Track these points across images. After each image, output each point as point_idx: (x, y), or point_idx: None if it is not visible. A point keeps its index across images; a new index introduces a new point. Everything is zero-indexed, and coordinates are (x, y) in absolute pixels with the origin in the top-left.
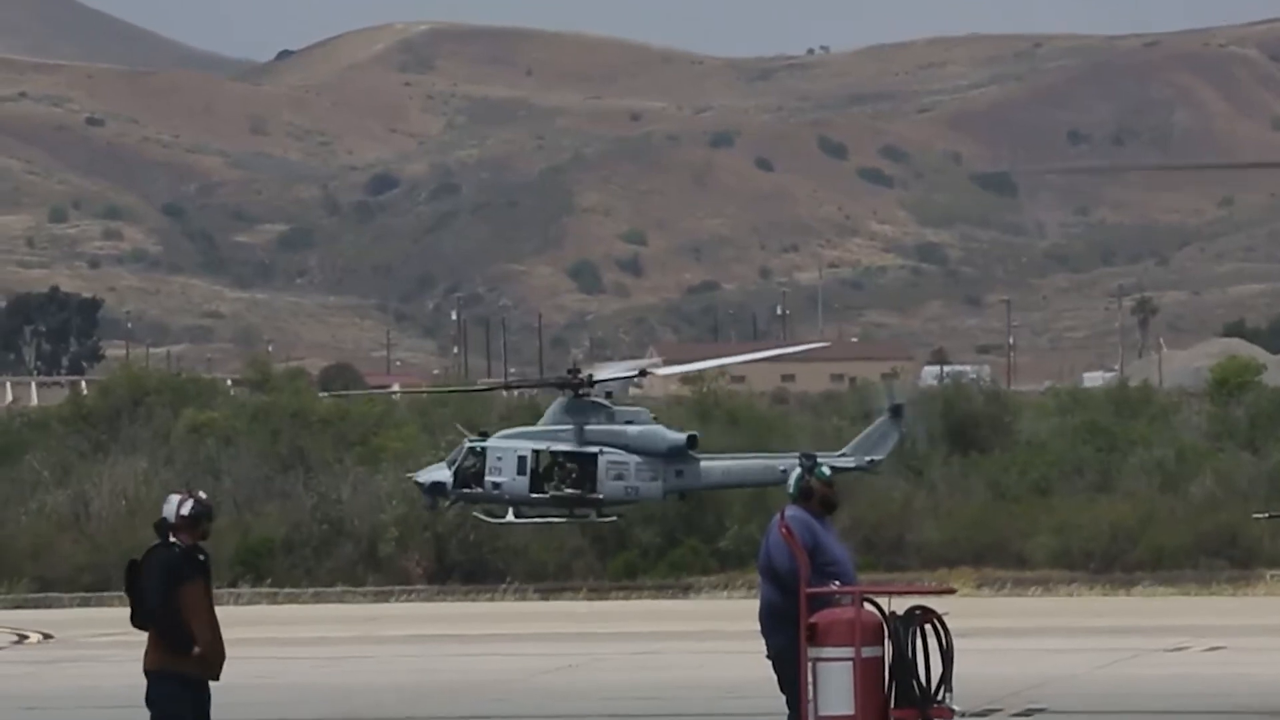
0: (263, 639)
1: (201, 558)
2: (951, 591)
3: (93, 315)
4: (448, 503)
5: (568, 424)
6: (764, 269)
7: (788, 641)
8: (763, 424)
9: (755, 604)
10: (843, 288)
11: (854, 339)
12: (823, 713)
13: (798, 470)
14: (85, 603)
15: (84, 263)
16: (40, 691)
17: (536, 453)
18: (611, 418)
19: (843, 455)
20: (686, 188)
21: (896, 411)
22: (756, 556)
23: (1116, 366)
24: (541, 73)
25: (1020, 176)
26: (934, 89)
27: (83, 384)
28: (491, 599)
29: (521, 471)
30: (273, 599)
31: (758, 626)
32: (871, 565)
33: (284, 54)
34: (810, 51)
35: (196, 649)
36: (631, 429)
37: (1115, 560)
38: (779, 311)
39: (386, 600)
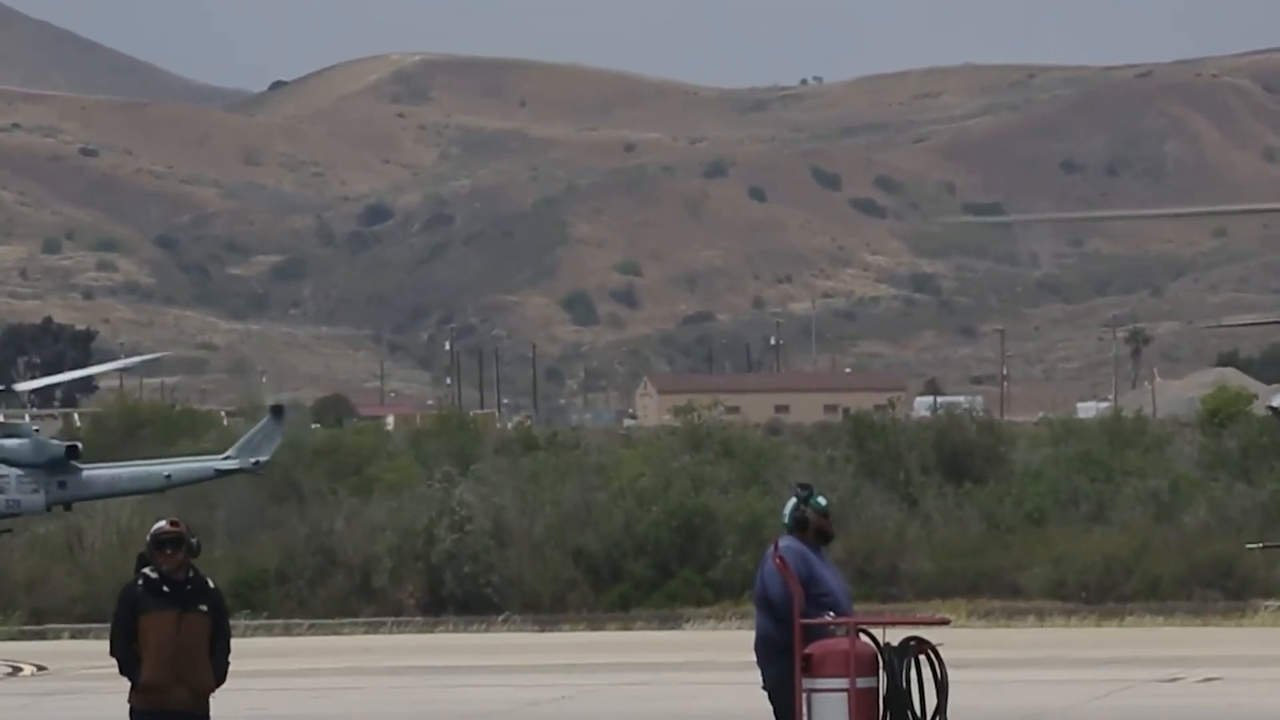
0: (256, 671)
1: (169, 588)
2: (946, 622)
3: (86, 347)
4: None
5: None
6: (758, 299)
7: (784, 673)
8: (756, 454)
9: (749, 635)
10: (836, 318)
11: (847, 369)
12: None
13: (793, 501)
14: (79, 634)
15: (78, 294)
16: None
17: None
18: None
19: (227, 458)
20: (680, 218)
21: (277, 413)
22: (751, 587)
23: (1110, 397)
24: (535, 104)
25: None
26: (928, 119)
27: (76, 416)
28: (486, 630)
29: None
30: (269, 630)
31: (753, 657)
32: (865, 595)
33: (277, 84)
34: (804, 82)
35: (142, 681)
36: (10, 442)
37: (1110, 591)
38: (773, 342)
39: (380, 631)
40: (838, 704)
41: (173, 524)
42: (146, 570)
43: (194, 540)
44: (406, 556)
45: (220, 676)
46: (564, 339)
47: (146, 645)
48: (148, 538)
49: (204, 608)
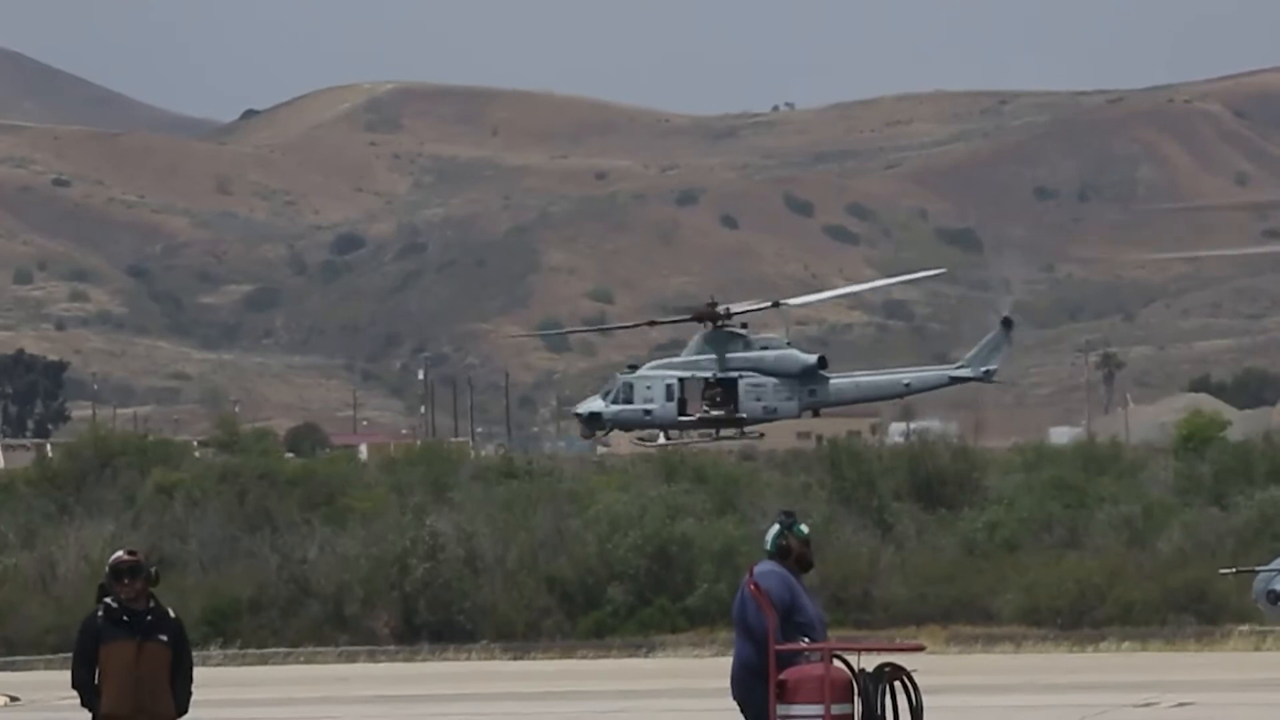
0: (229, 700)
1: (128, 618)
2: (921, 648)
3: (59, 377)
4: (604, 430)
5: (709, 353)
6: None
7: (765, 705)
8: (730, 481)
9: (725, 662)
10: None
11: None
12: None
13: (775, 527)
14: (51, 665)
15: (50, 324)
16: None
17: (682, 380)
18: (749, 345)
19: (960, 367)
20: (653, 246)
21: (1008, 324)
22: (727, 614)
23: (1083, 422)
24: (508, 132)
25: (986, 235)
26: (900, 146)
27: (49, 446)
28: (460, 659)
29: (670, 398)
30: (243, 660)
31: (728, 686)
32: (839, 622)
33: (249, 113)
34: (775, 109)
35: (103, 712)
36: (768, 354)
37: (1083, 616)
38: None
39: (354, 660)
40: None
41: (130, 553)
42: (107, 600)
43: (152, 569)
44: (380, 585)
45: (182, 707)
46: (537, 367)
47: (107, 675)
48: (106, 568)
49: (164, 637)
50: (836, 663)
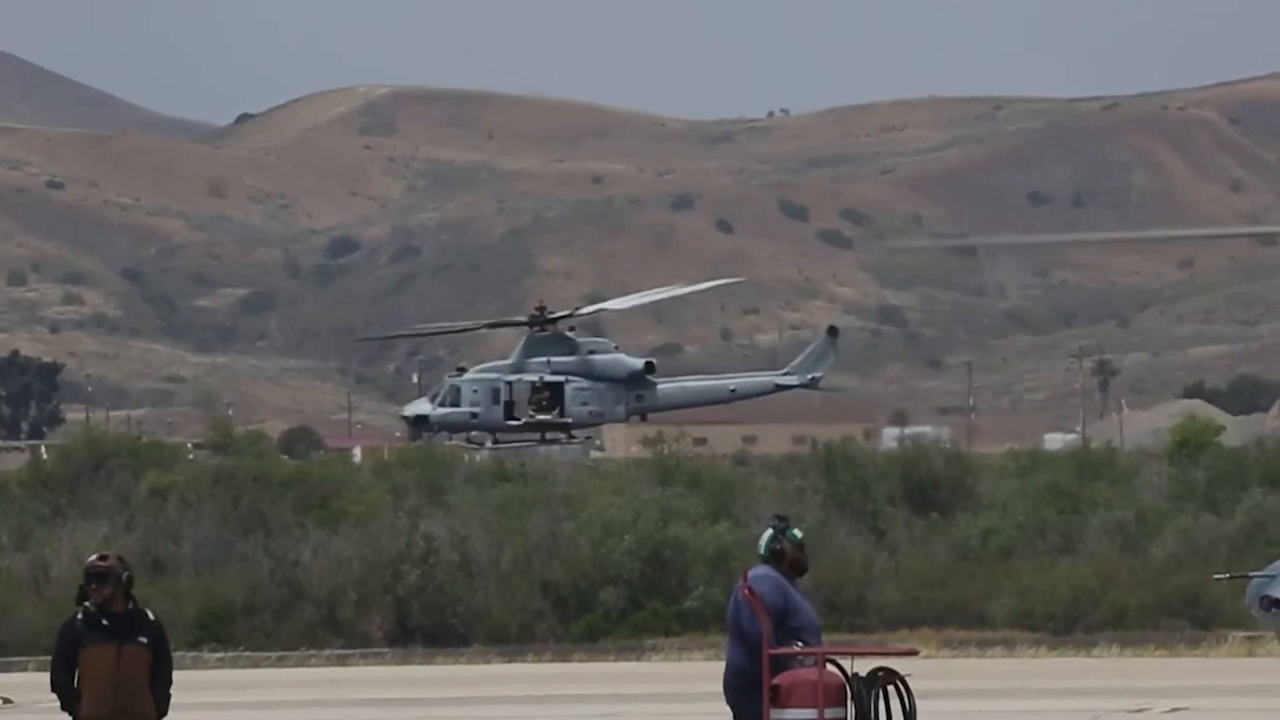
0: (222, 703)
1: (108, 621)
2: (915, 653)
3: (53, 379)
4: (431, 433)
5: (538, 356)
6: (725, 331)
7: (758, 711)
8: (724, 486)
9: (717, 666)
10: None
11: (815, 401)
12: None
13: (769, 532)
14: (45, 667)
15: (44, 327)
16: None
17: (510, 384)
18: (576, 349)
19: (786, 374)
20: (648, 250)
21: (833, 333)
22: (721, 619)
23: (1077, 428)
24: (503, 136)
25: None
26: (894, 151)
27: (42, 448)
28: (454, 662)
29: (496, 402)
30: (235, 663)
31: (720, 690)
32: (833, 626)
33: (244, 117)
34: (771, 114)
35: (82, 716)
36: (596, 358)
37: (1077, 621)
38: None
39: (347, 664)
40: None
41: (102, 558)
42: (86, 604)
43: (126, 573)
44: (373, 588)
45: (162, 709)
46: None
47: (87, 679)
48: (82, 571)
49: (143, 640)
50: (830, 667)
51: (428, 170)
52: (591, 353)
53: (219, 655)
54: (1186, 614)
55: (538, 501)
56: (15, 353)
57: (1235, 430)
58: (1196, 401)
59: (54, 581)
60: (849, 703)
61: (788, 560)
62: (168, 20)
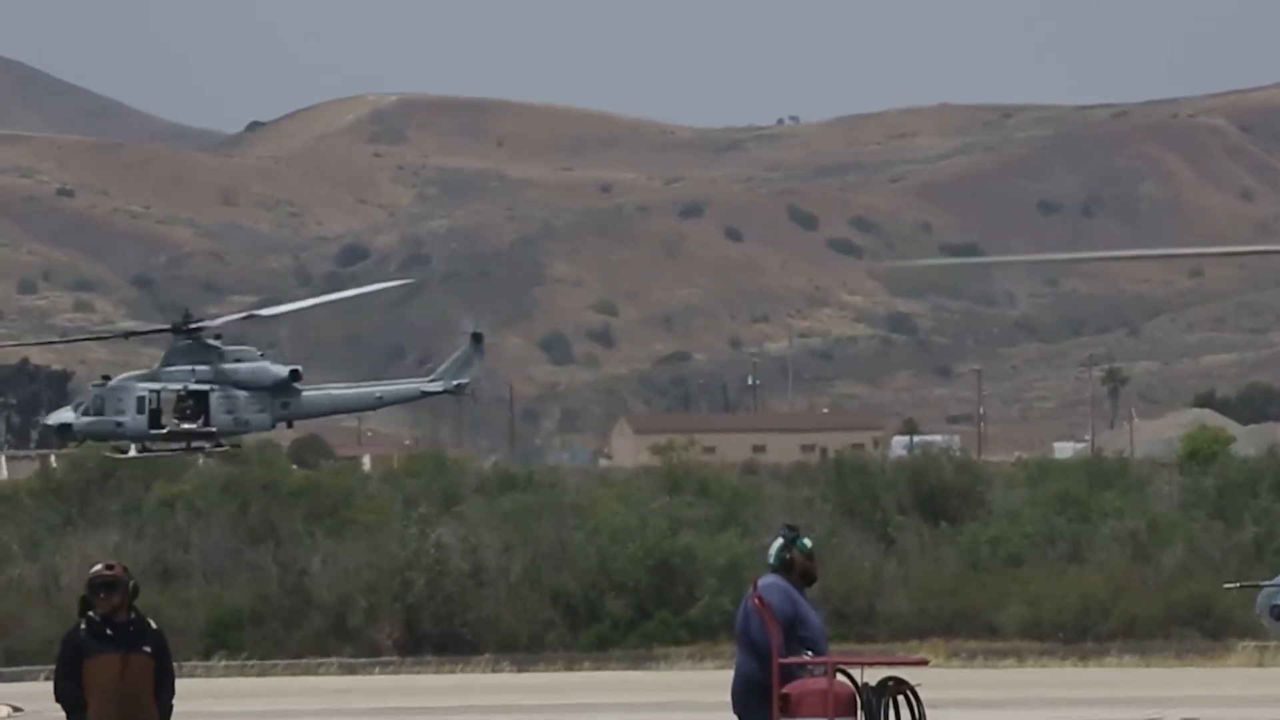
0: (232, 712)
1: (111, 631)
2: (925, 662)
3: (63, 387)
4: (76, 442)
5: (182, 365)
6: (734, 339)
7: (768, 717)
8: (734, 495)
9: (726, 675)
10: (813, 358)
11: (824, 410)
12: None
13: (779, 541)
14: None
15: (54, 335)
16: None
17: (156, 393)
18: (222, 357)
19: (432, 380)
20: (657, 258)
21: (477, 339)
22: (730, 627)
23: (1087, 437)
24: (512, 144)
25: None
26: (904, 159)
27: (52, 458)
28: (463, 671)
29: (141, 410)
30: (244, 671)
31: (729, 700)
32: (842, 636)
33: (254, 125)
34: (780, 122)
35: None
36: (241, 366)
37: (1087, 631)
38: (750, 382)
39: (357, 672)
40: None
41: (108, 567)
42: (90, 613)
43: (131, 582)
44: (383, 596)
45: (165, 717)
46: (541, 379)
47: (91, 689)
48: (86, 581)
49: (147, 649)
50: (840, 677)
51: (437, 178)
52: (238, 360)
53: (228, 664)
54: (1197, 623)
55: (547, 510)
56: (25, 361)
57: (1246, 440)
58: (1207, 410)
59: (64, 590)
60: (859, 712)
61: (797, 570)
62: (178, 29)
